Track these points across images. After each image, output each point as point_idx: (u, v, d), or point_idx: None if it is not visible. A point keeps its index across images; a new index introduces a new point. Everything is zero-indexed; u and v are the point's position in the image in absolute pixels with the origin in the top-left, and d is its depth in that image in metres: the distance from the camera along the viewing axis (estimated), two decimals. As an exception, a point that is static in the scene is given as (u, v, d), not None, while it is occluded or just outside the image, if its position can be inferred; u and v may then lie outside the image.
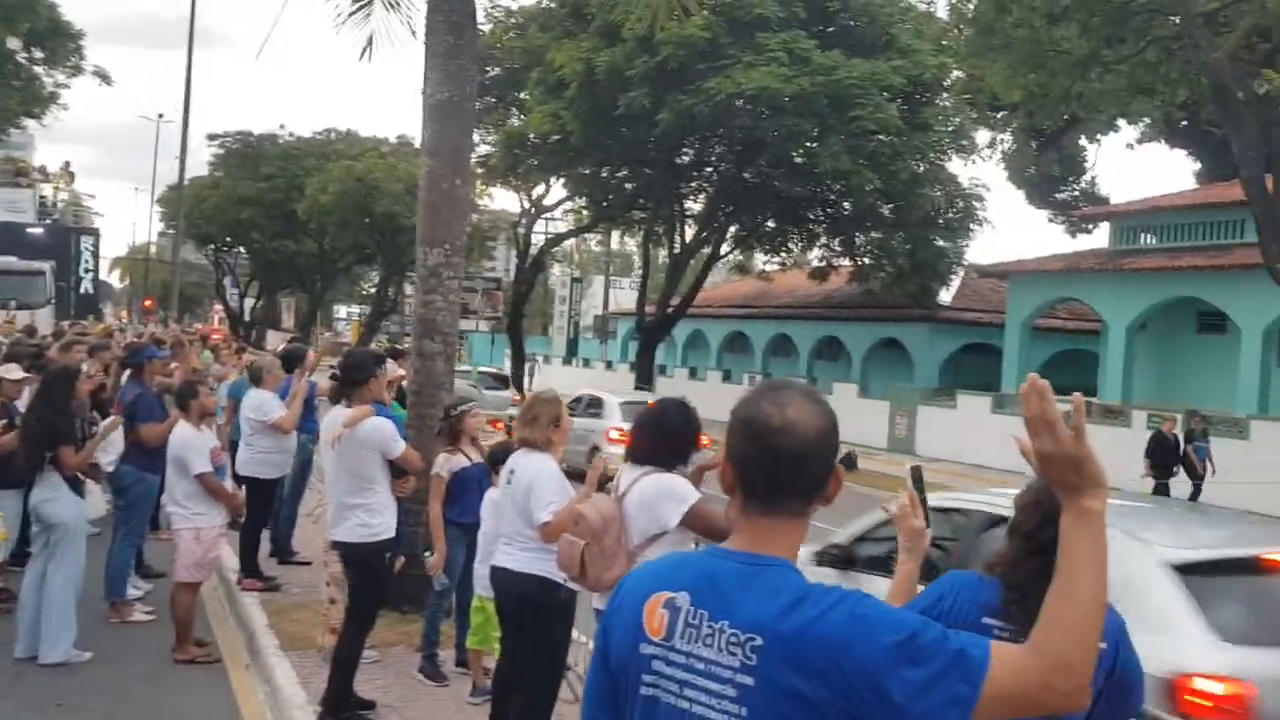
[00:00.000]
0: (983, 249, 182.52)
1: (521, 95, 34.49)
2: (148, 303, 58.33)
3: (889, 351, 36.98)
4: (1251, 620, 4.51)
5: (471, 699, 6.49)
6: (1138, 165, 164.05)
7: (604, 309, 55.87)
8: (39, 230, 42.37)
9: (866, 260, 33.27)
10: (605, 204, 36.70)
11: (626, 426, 17.84)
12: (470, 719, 6.30)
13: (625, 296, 59.37)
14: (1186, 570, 4.56)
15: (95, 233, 46.21)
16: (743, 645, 1.76)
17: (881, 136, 27.33)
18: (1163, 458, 18.06)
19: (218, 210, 50.10)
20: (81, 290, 40.45)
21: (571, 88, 28.46)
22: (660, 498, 4.36)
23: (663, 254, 38.88)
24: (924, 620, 1.75)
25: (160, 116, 60.71)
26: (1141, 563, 4.69)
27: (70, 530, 7.22)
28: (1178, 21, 15.99)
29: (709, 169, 34.84)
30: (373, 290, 60.85)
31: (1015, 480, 5.85)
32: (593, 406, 18.92)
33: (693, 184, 35.95)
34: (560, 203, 40.77)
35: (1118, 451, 22.01)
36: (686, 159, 33.94)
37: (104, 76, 36.74)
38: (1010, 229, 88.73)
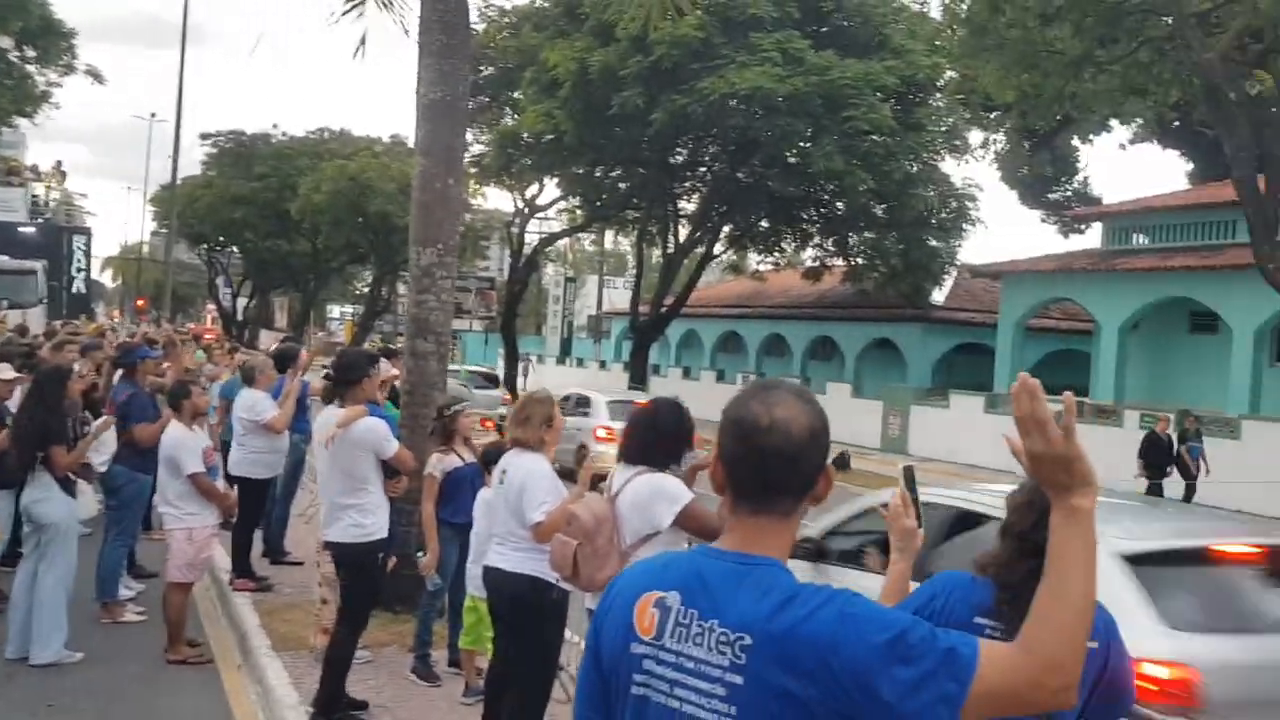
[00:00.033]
0: (976, 249, 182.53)
1: (515, 95, 34.45)
2: (140, 302, 58.35)
3: (882, 351, 37.02)
4: (1198, 608, 4.68)
5: (464, 699, 6.48)
6: (1130, 166, 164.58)
7: (598, 309, 55.87)
8: (31, 229, 42.35)
9: (860, 260, 33.28)
10: (599, 203, 36.66)
11: (614, 425, 17.98)
12: (463, 719, 6.30)
13: (619, 296, 59.34)
14: (1137, 560, 4.71)
15: (87, 232, 46.21)
16: (732, 644, 1.76)
17: (875, 137, 27.34)
18: (1156, 458, 18.07)
19: (210, 209, 49.98)
20: (73, 290, 40.43)
21: (565, 87, 28.44)
22: (653, 498, 4.36)
23: (656, 254, 38.79)
24: (913, 619, 1.75)
25: (153, 116, 60.74)
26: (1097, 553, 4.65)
27: (62, 530, 7.21)
28: (1170, 22, 16.02)
29: (703, 169, 34.83)
30: (366, 290, 60.75)
31: (1007, 479, 5.89)
32: (580, 405, 18.94)
33: (686, 184, 35.93)
34: (554, 202, 40.72)
35: (1110, 451, 22.08)
36: (680, 159, 33.92)
37: (96, 75, 36.65)
38: (1003, 229, 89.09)
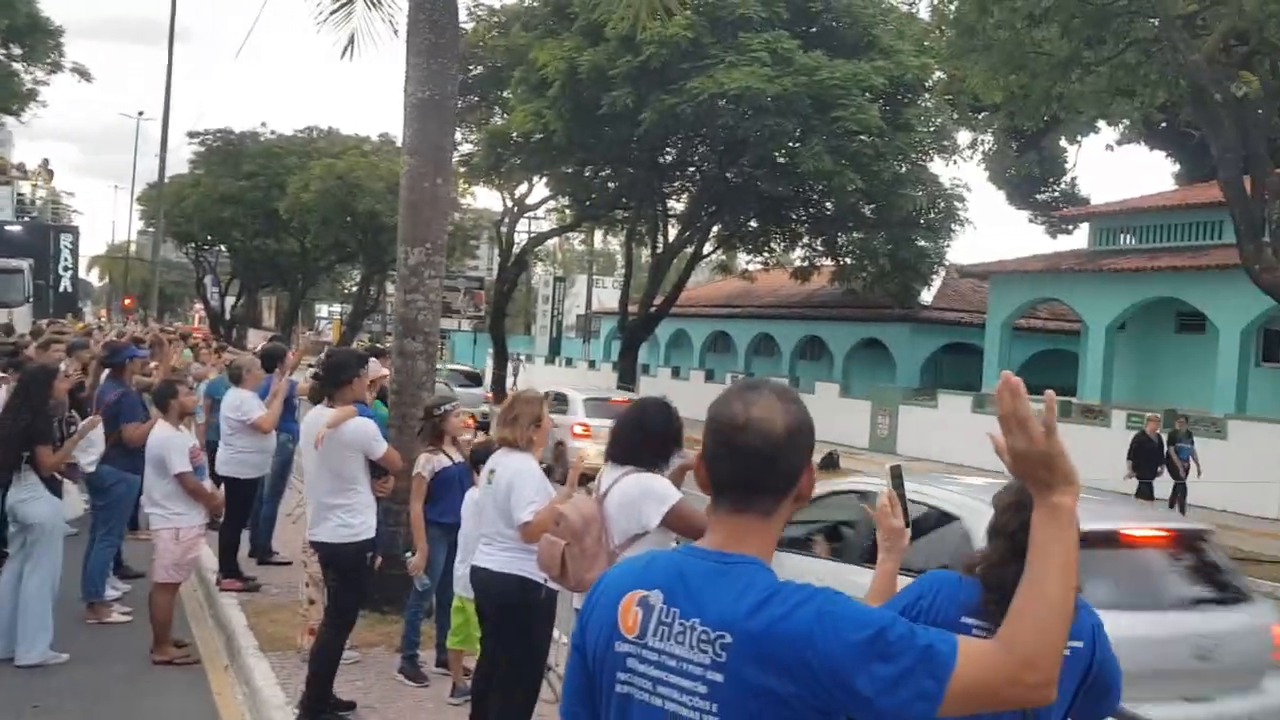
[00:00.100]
0: (964, 249, 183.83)
1: (504, 94, 34.42)
2: (127, 301, 58.07)
3: (871, 351, 37.10)
4: (1110, 586, 5.05)
5: (452, 699, 6.48)
6: (1117, 166, 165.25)
7: (587, 308, 55.85)
8: (17, 228, 42.17)
9: (848, 260, 33.33)
10: (588, 203, 36.65)
11: (591, 422, 18.20)
12: (450, 719, 6.29)
13: (608, 296, 59.34)
14: None
15: (74, 230, 45.97)
16: (713, 643, 1.78)
17: (863, 137, 27.36)
18: (1145, 458, 18.13)
19: (198, 208, 49.87)
20: (60, 289, 40.23)
21: (554, 87, 28.41)
22: (641, 498, 4.36)
23: (646, 253, 38.86)
24: (891, 616, 1.77)
25: (140, 114, 60.47)
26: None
27: (47, 530, 7.18)
28: (1157, 24, 16.07)
29: (692, 168, 34.83)
30: (354, 289, 60.67)
31: (994, 478, 5.95)
32: (558, 403, 19.04)
33: (675, 183, 35.93)
34: (543, 202, 40.75)
35: (1097, 451, 22.19)
36: (669, 158, 33.92)
37: (83, 74, 36.50)
38: (991, 229, 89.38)
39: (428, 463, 6.86)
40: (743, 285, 41.84)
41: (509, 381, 38.68)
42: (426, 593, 6.96)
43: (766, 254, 37.18)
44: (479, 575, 5.42)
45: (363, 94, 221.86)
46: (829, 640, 1.71)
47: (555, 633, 5.68)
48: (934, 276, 34.50)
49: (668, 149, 32.84)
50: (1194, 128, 22.92)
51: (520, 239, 43.21)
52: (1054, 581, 1.76)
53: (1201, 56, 15.14)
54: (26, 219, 47.00)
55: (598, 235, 50.57)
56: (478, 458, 6.29)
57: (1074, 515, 1.80)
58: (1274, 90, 17.00)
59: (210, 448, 9.68)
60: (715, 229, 35.29)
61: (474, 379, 31.47)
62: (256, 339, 46.15)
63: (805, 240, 35.23)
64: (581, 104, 28.32)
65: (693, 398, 18.40)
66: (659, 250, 35.69)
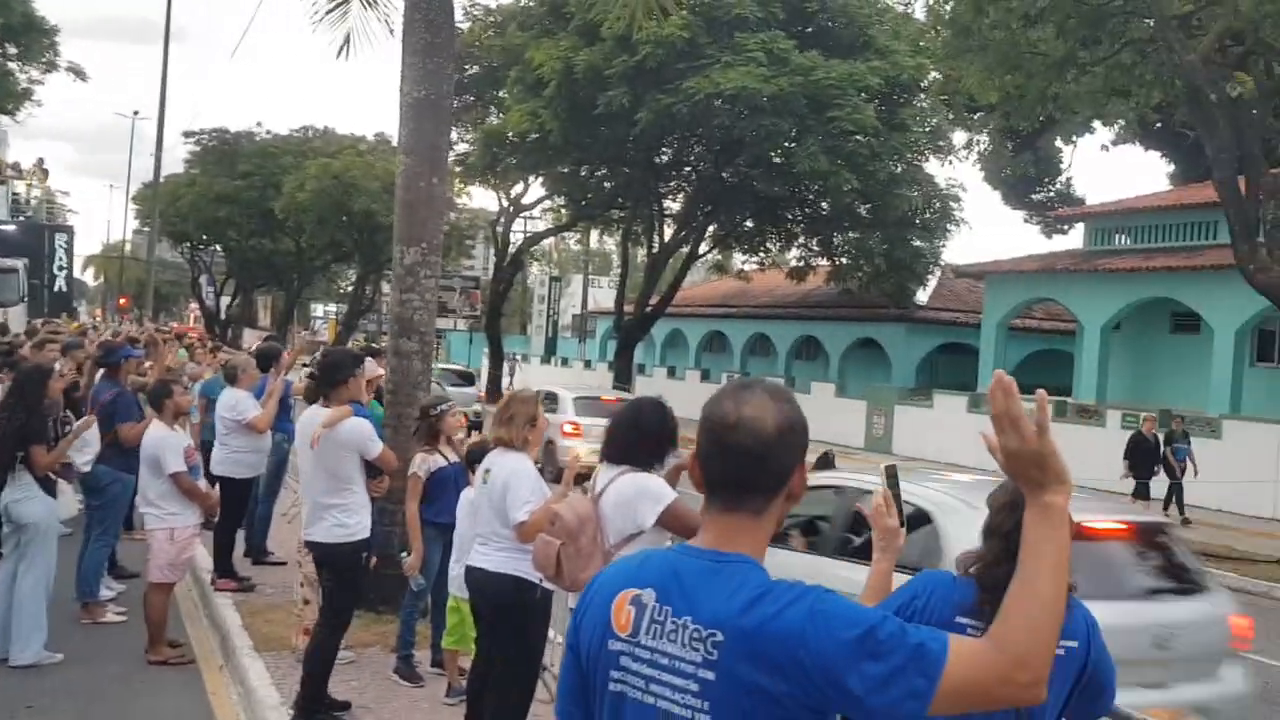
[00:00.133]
0: (959, 249, 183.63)
1: (500, 94, 34.42)
2: (122, 301, 58.02)
3: (866, 351, 37.12)
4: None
5: (447, 699, 6.47)
6: (1113, 167, 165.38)
7: (583, 308, 55.86)
8: (12, 227, 42.10)
9: (844, 260, 33.35)
10: (584, 203, 36.63)
11: (580, 420, 18.44)
12: (446, 719, 6.28)
13: (604, 295, 59.34)
14: None
15: (69, 230, 45.88)
16: (704, 641, 1.78)
17: (859, 137, 27.38)
18: (1142, 458, 18.15)
19: (193, 208, 49.78)
20: (55, 288, 40.16)
21: (550, 86, 28.41)
22: (637, 497, 4.36)
23: (641, 253, 38.79)
24: (882, 615, 1.77)
25: (136, 113, 60.41)
26: (971, 524, 5.10)
27: (42, 530, 7.17)
28: (1152, 24, 16.08)
29: (687, 168, 34.83)
30: (350, 289, 60.61)
31: (987, 477, 6.00)
32: (548, 401, 19.09)
33: (671, 183, 35.93)
34: (539, 201, 40.73)
35: (1092, 451, 22.22)
36: (665, 158, 33.92)
37: (78, 73, 36.41)
38: (986, 229, 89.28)
39: (423, 463, 6.85)
40: (738, 285, 41.84)
41: (505, 381, 38.66)
42: (422, 593, 6.96)
43: (762, 254, 37.19)
44: (474, 575, 5.42)
45: (358, 93, 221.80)
46: (820, 638, 1.71)
47: (551, 633, 5.67)
48: (929, 276, 34.53)
49: (663, 149, 32.84)
50: (1189, 128, 22.95)
51: (516, 239, 43.19)
52: (1046, 580, 1.76)
53: (1197, 57, 15.16)
54: (21, 218, 46.89)
55: (593, 235, 50.62)
56: (473, 457, 6.28)
57: (1066, 514, 1.80)
58: (1269, 90, 17.03)
59: (205, 447, 9.66)
60: (711, 229, 35.30)
61: (466, 378, 31.48)
62: (252, 339, 46.11)
63: (801, 240, 35.25)
64: (577, 104, 28.32)
65: (688, 397, 18.41)
66: (655, 250, 35.69)
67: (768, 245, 36.66)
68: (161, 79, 33.12)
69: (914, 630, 1.74)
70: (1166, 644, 5.52)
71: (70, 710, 6.36)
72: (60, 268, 41.09)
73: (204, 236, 55.08)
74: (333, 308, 75.42)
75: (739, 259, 41.14)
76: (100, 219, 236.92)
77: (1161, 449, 18.34)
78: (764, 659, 1.73)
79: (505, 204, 40.39)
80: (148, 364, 10.58)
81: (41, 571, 7.14)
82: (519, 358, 48.35)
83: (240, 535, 9.77)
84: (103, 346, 9.71)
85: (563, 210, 40.04)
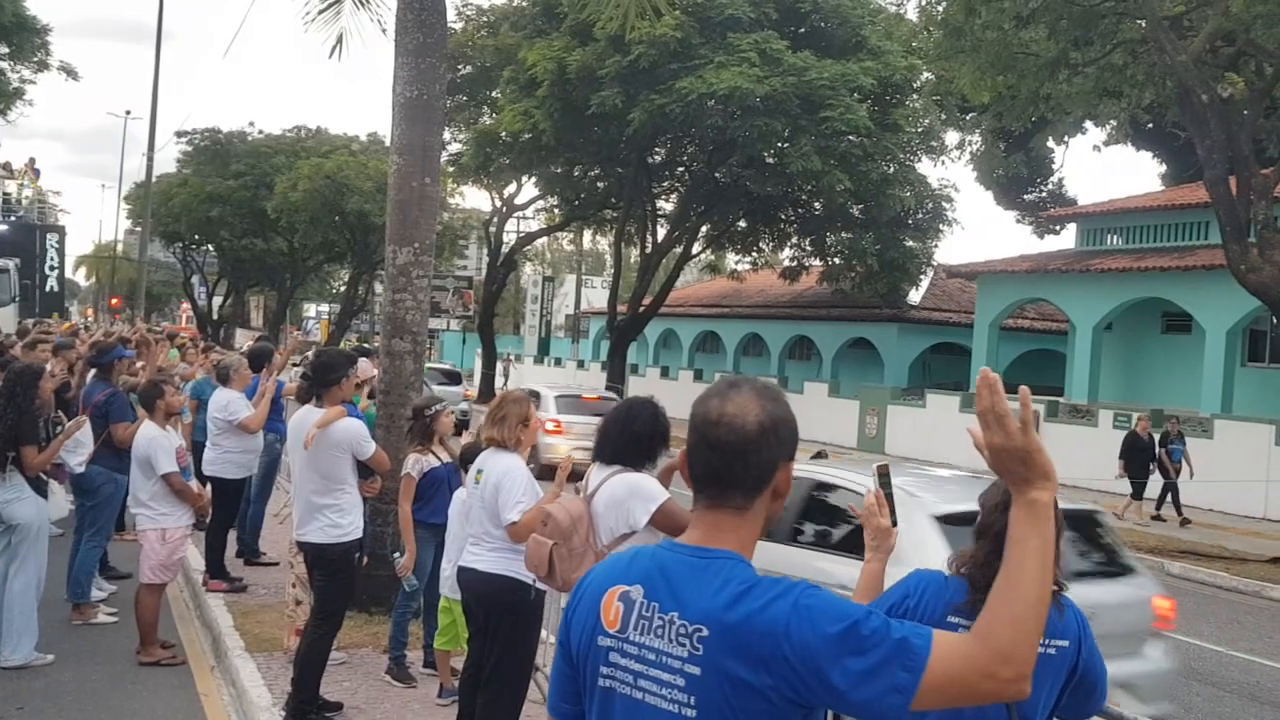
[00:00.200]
0: (951, 249, 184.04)
1: (493, 94, 34.40)
2: (114, 301, 57.87)
3: (859, 351, 37.16)
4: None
5: (439, 700, 6.47)
6: (1105, 167, 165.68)
7: (576, 308, 55.82)
8: (3, 227, 41.94)
9: (837, 260, 33.38)
10: (577, 203, 36.65)
11: (562, 418, 18.67)
12: (438, 720, 6.29)
13: (597, 296, 59.36)
14: (945, 520, 5.92)
15: (61, 230, 45.73)
16: (690, 636, 1.80)
17: (852, 137, 27.42)
18: (1137, 458, 18.21)
19: (186, 208, 49.71)
20: (46, 288, 40.04)
21: (543, 86, 28.41)
22: (629, 497, 4.37)
23: (634, 253, 38.83)
24: (867, 610, 1.78)
25: (128, 113, 60.29)
26: (911, 513, 5.96)
27: (33, 531, 7.14)
28: (1144, 25, 16.12)
29: (680, 168, 34.85)
30: (342, 289, 60.53)
31: (980, 476, 6.05)
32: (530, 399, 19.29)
33: (664, 183, 35.96)
34: (532, 201, 40.70)
35: (1084, 450, 22.28)
36: (658, 158, 33.94)
37: (70, 72, 36.32)
38: (979, 230, 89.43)
39: (416, 463, 6.84)
40: (731, 285, 41.86)
41: (499, 382, 38.64)
42: (414, 593, 6.95)
43: (755, 254, 37.22)
44: (467, 576, 5.41)
45: (351, 93, 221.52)
46: (804, 632, 1.73)
47: (543, 633, 5.67)
48: (922, 276, 34.60)
49: (656, 149, 32.86)
50: (1180, 128, 23.00)
51: (509, 239, 43.18)
52: (1031, 576, 1.77)
53: (1188, 57, 15.20)
54: (12, 218, 46.72)
55: (586, 235, 50.56)
56: (467, 458, 6.28)
57: (1051, 510, 1.81)
58: (1260, 91, 17.08)
59: (196, 448, 9.65)
60: (704, 229, 35.32)
61: (453, 377, 31.48)
62: (244, 339, 46.01)
63: (794, 240, 35.29)
64: (570, 104, 28.32)
65: (681, 397, 18.45)
66: (648, 250, 35.69)
67: (761, 245, 36.70)
68: (154, 79, 33.06)
69: (898, 625, 1.75)
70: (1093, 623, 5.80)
71: (61, 711, 6.34)
72: (52, 268, 40.98)
73: (196, 236, 54.99)
74: (325, 308, 75.34)
75: (732, 259, 41.16)
76: (92, 219, 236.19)
77: (1157, 449, 18.40)
78: (748, 653, 1.75)
79: (498, 204, 40.39)
80: (139, 364, 10.56)
81: (32, 572, 7.11)
82: (513, 358, 48.33)
83: (232, 536, 9.75)
84: (95, 347, 9.68)
85: (556, 210, 40.03)
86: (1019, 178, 38.74)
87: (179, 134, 53.43)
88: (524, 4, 33.15)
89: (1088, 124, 31.80)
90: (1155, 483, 18.57)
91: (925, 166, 32.50)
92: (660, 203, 36.68)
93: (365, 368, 8.75)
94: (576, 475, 5.24)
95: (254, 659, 7.08)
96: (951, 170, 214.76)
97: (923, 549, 5.68)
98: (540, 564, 4.38)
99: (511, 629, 5.25)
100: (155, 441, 7.31)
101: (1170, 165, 37.95)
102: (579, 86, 27.83)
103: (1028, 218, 42.39)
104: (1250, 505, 20.29)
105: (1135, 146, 38.80)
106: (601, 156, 31.96)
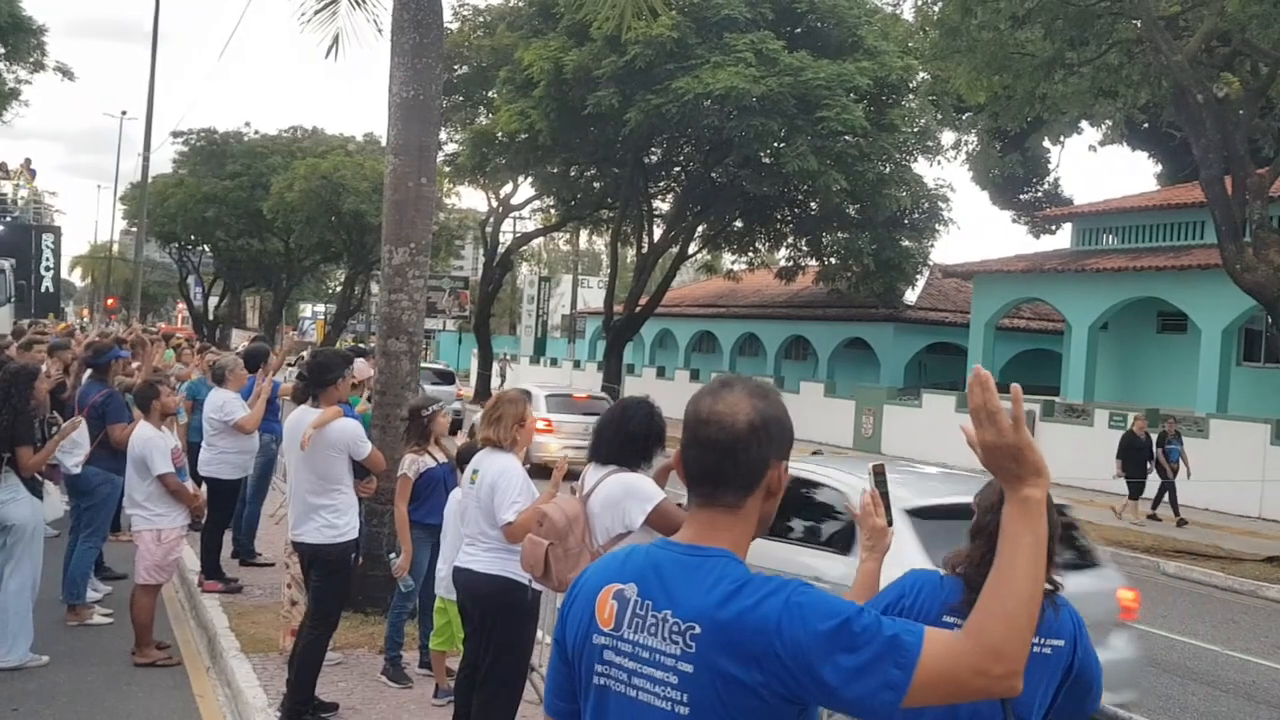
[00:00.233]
0: (947, 249, 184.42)
1: (490, 94, 34.39)
2: (110, 301, 57.79)
3: (855, 351, 37.17)
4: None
5: (435, 701, 6.47)
6: (1100, 167, 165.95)
7: (572, 308, 55.81)
8: (-1, 228, 41.87)
9: (833, 260, 33.39)
10: (573, 203, 36.64)
11: (552, 417, 18.73)
12: (434, 720, 6.28)
13: (593, 296, 59.33)
14: (916, 513, 5.94)
15: (56, 230, 45.65)
16: (683, 634, 1.81)
17: (848, 137, 27.43)
18: (1134, 457, 18.24)
19: (182, 208, 49.67)
20: (42, 289, 39.97)
21: (540, 87, 28.40)
22: (625, 497, 4.36)
23: (631, 253, 38.85)
24: (858, 608, 1.78)
25: (124, 113, 60.23)
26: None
27: (28, 532, 7.13)
28: (1139, 25, 16.14)
29: (677, 168, 34.84)
30: (338, 289, 60.50)
31: (974, 475, 6.09)
32: None
33: (661, 183, 35.94)
34: (528, 201, 40.72)
35: (1080, 449, 22.28)
36: (654, 158, 33.93)
37: (66, 73, 36.23)
38: (974, 229, 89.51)
39: (413, 463, 6.84)
40: (728, 285, 41.88)
41: (496, 382, 38.63)
42: (410, 594, 6.95)
43: (751, 254, 37.24)
44: (462, 576, 5.41)
45: (347, 94, 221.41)
46: (795, 630, 1.73)
47: (539, 633, 5.67)
48: (918, 276, 34.62)
49: (653, 149, 32.85)
50: (1176, 128, 23.01)
51: (505, 239, 43.17)
52: (1023, 572, 1.77)
53: (1183, 57, 15.21)
54: (8, 219, 46.70)
55: (583, 235, 50.52)
56: (464, 458, 6.27)
57: (1044, 507, 1.82)
58: (1255, 91, 17.10)
59: (192, 449, 9.64)
60: (700, 229, 35.33)
61: (445, 377, 31.52)
62: (240, 339, 45.98)
63: (790, 240, 35.29)
64: (567, 104, 28.31)
65: (678, 397, 18.47)
66: (644, 250, 35.70)
67: (757, 245, 36.71)
68: (149, 79, 33.02)
69: (889, 622, 1.75)
70: None
71: (56, 713, 6.33)
72: (47, 268, 40.91)
73: (192, 237, 54.94)
74: (321, 308, 75.26)
75: (728, 259, 41.17)
76: (88, 219, 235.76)
77: (1154, 449, 18.42)
78: (740, 650, 1.75)
79: (494, 204, 40.39)
80: (135, 364, 10.54)
81: (27, 573, 7.10)
82: (509, 357, 48.32)
83: (228, 536, 9.74)
84: (92, 348, 9.66)
85: (552, 210, 40.03)
86: (1015, 177, 38.73)
87: (175, 134, 53.59)
88: (520, 4, 33.14)
89: (1083, 124, 31.79)
90: (1153, 482, 18.60)
91: (921, 166, 32.56)
92: (656, 203, 36.68)
93: (362, 368, 8.74)
94: (572, 475, 5.23)
95: (249, 660, 7.07)
96: (947, 170, 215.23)
97: (894, 542, 5.81)
98: (536, 564, 4.38)
99: (507, 629, 5.25)
100: (151, 442, 7.30)
101: (1166, 165, 37.99)
102: (575, 86, 27.82)
103: (1023, 217, 42.38)
104: (1246, 504, 20.32)
105: (1131, 146, 38.84)
106: (598, 156, 31.96)
